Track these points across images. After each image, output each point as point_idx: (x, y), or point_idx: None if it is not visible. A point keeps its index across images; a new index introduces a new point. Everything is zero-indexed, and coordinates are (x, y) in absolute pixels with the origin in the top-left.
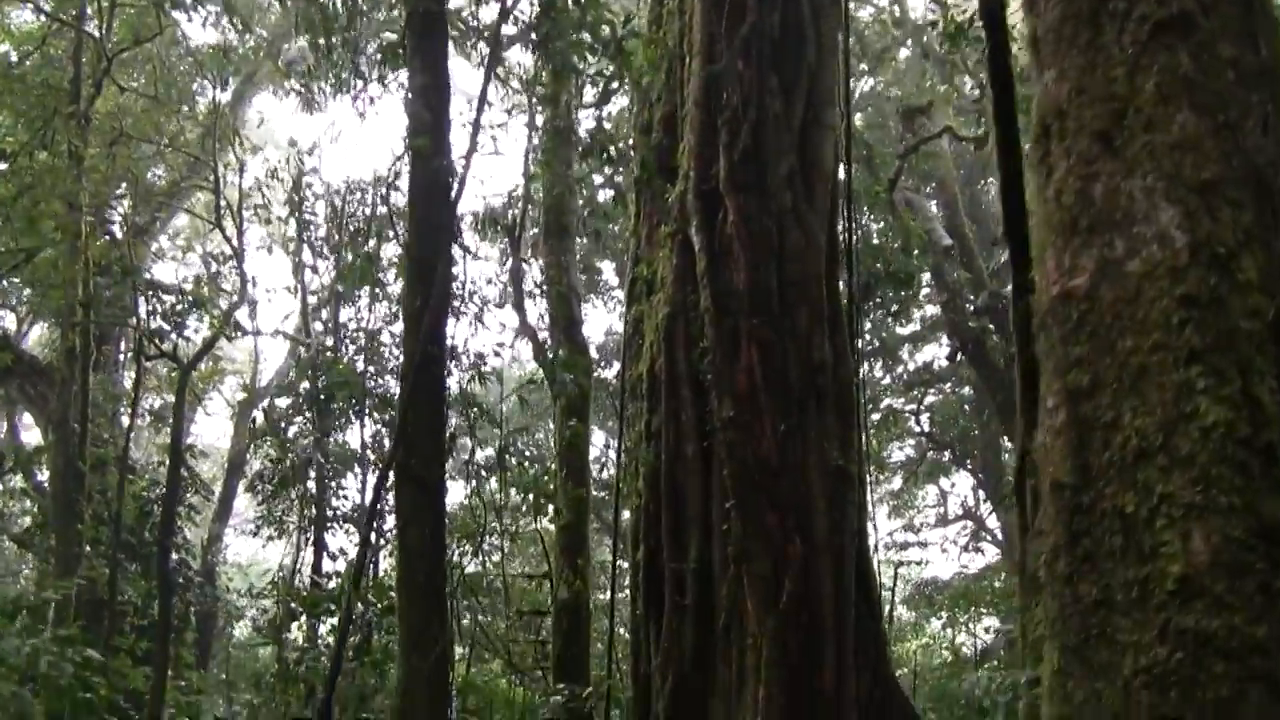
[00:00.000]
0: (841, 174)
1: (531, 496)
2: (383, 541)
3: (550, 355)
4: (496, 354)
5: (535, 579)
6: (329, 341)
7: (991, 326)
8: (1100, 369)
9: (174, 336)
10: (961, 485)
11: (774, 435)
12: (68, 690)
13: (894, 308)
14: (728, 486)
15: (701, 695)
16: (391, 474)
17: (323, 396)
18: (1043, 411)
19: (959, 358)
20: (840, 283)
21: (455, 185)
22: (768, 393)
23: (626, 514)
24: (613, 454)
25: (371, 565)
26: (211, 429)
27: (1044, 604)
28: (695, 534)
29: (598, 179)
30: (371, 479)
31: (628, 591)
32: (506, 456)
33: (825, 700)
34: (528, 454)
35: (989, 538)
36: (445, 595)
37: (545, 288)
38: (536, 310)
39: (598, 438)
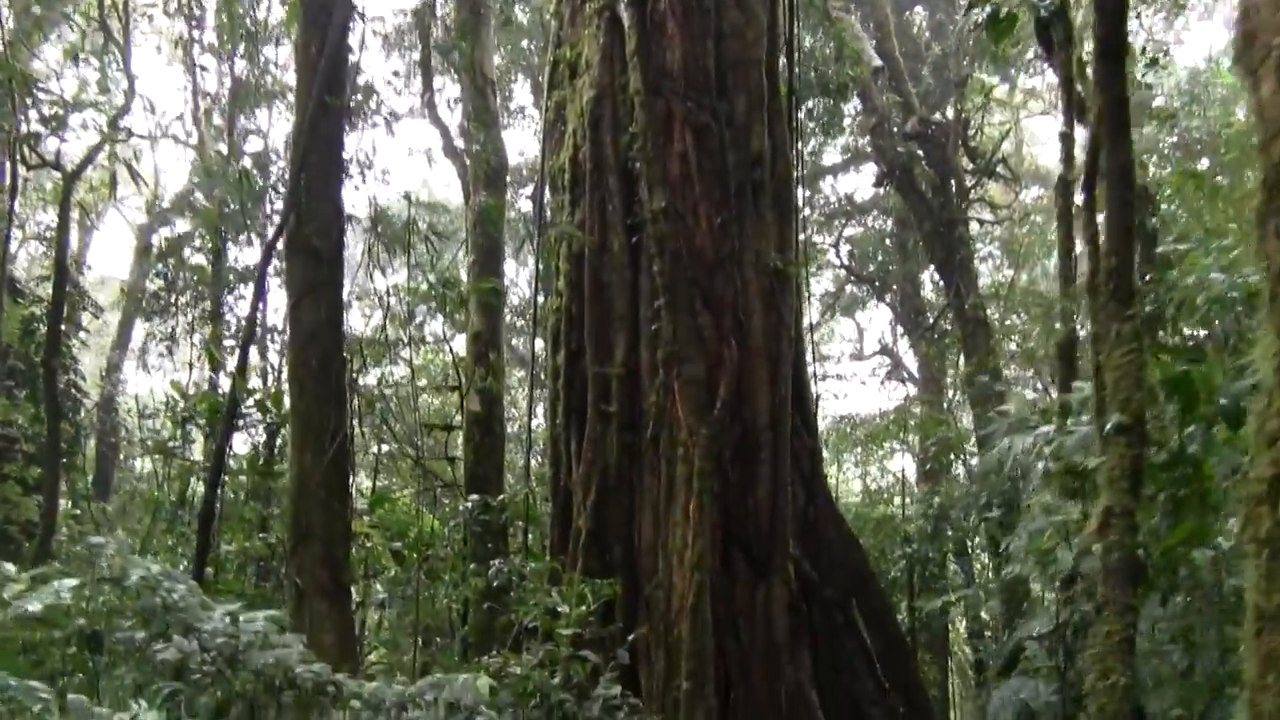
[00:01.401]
0: None
1: (438, 300)
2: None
3: (461, 149)
4: (388, 121)
5: (442, 389)
6: (224, 149)
7: (920, 153)
8: None
9: (56, 138)
10: (879, 321)
11: (709, 228)
12: None
13: (823, 121)
14: (657, 283)
15: (627, 509)
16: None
17: (220, 202)
18: None
19: (884, 186)
20: (780, 74)
21: None
22: (702, 182)
23: (541, 344)
24: (525, 287)
25: (275, 383)
26: (112, 261)
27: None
28: (621, 335)
29: None
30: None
31: (546, 405)
32: (413, 237)
33: (759, 514)
34: (436, 253)
35: (906, 373)
36: (344, 383)
37: (456, 76)
38: (450, 117)
39: (509, 268)
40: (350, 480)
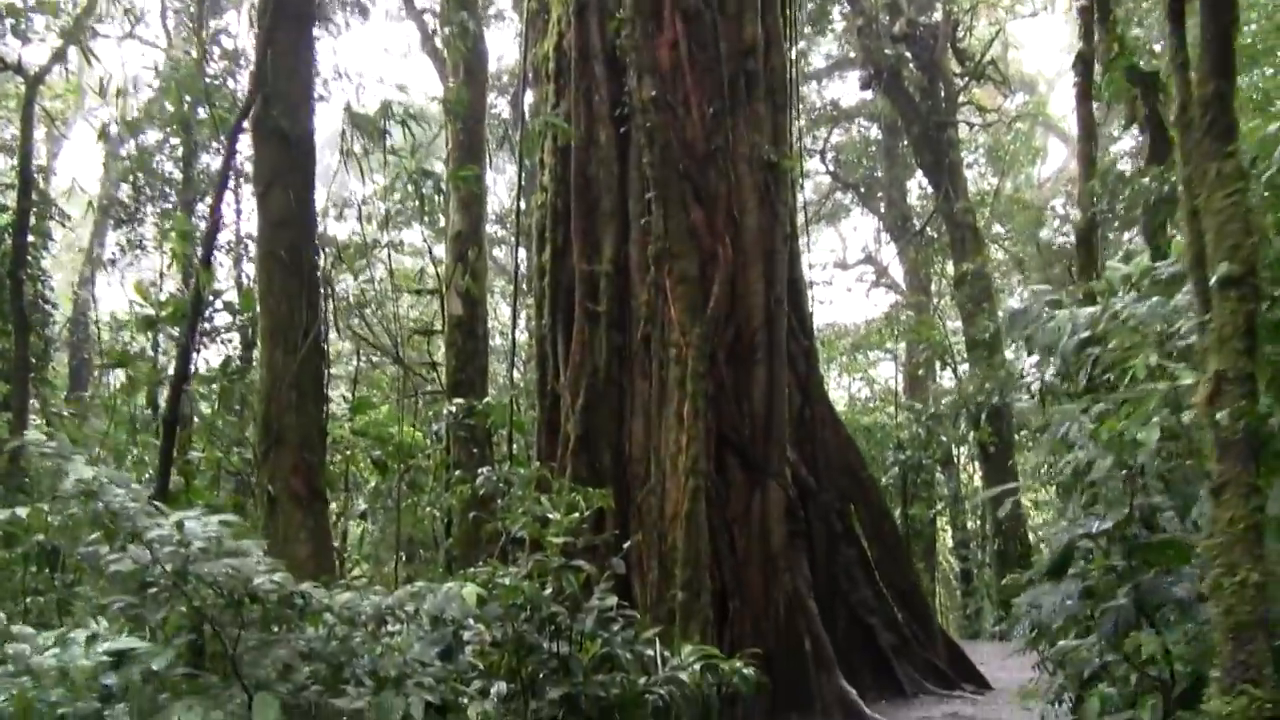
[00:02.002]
0: None
1: (415, 188)
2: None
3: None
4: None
5: (422, 291)
6: (193, 54)
7: (908, 55)
8: None
9: (17, 39)
10: (863, 230)
11: (700, 120)
12: None
13: (812, 19)
14: (647, 176)
15: (617, 413)
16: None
17: (186, 105)
18: None
19: (872, 90)
20: None
21: None
22: (694, 71)
23: (524, 254)
24: (504, 194)
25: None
26: (85, 176)
27: None
28: (609, 231)
29: None
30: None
31: (531, 309)
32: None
33: (755, 417)
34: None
35: (890, 282)
36: (316, 275)
37: None
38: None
39: (489, 179)
40: (325, 379)
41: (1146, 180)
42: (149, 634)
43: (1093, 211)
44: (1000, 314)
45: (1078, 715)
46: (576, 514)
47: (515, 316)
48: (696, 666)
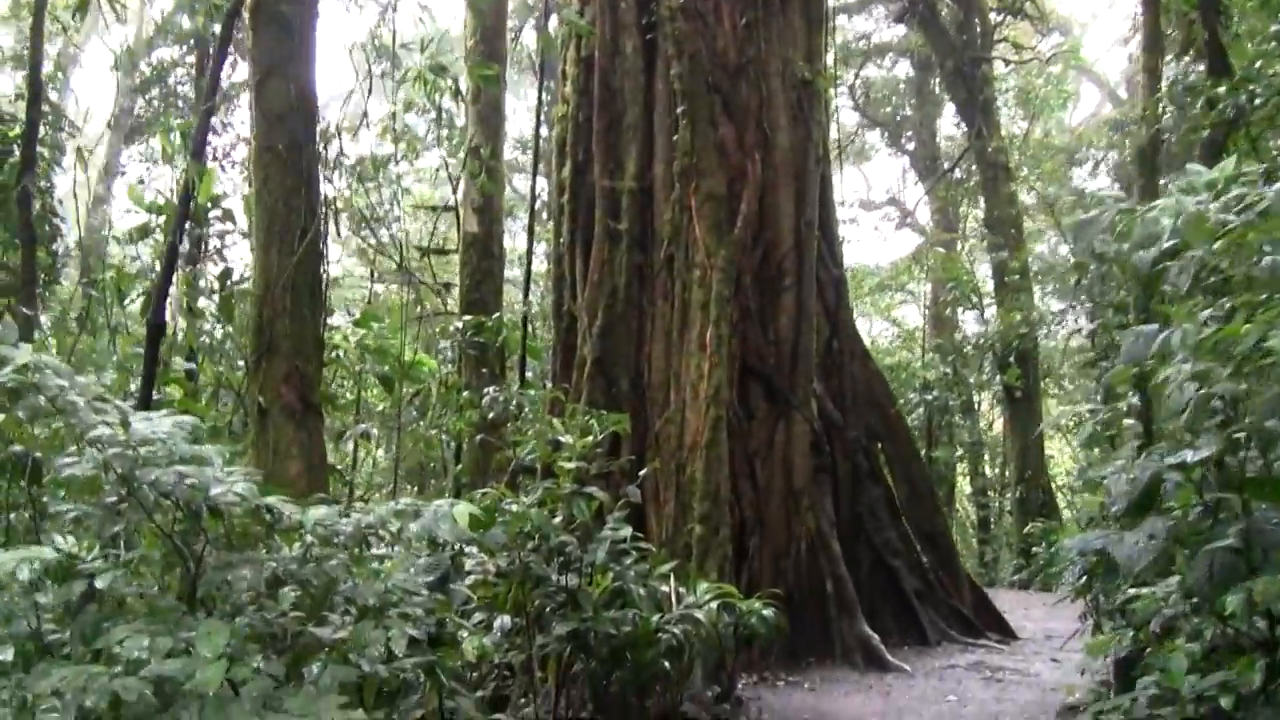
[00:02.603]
0: None
1: (429, 90)
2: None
3: None
4: None
5: (437, 209)
6: None
7: None
8: None
9: None
10: (888, 172)
11: (731, 30)
12: None
13: None
14: (674, 89)
15: (637, 337)
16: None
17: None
18: None
19: (904, 23)
20: None
21: None
22: None
23: (543, 182)
24: (524, 121)
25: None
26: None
27: None
28: (633, 146)
29: None
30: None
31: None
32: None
33: (781, 346)
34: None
35: (913, 223)
36: (316, 171)
37: None
38: None
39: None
40: (323, 284)
41: (1221, 89)
42: (122, 548)
43: (1157, 127)
44: (1029, 259)
45: (1160, 672)
46: (590, 438)
47: (531, 235)
48: (713, 605)
